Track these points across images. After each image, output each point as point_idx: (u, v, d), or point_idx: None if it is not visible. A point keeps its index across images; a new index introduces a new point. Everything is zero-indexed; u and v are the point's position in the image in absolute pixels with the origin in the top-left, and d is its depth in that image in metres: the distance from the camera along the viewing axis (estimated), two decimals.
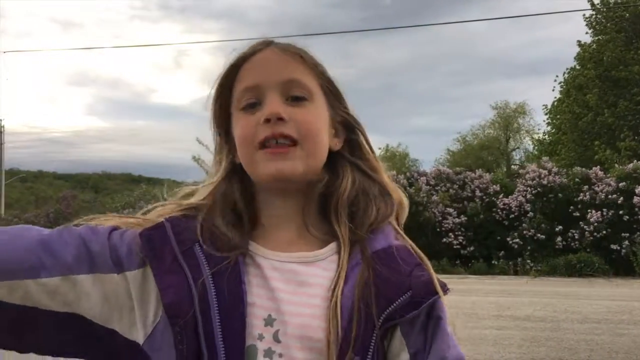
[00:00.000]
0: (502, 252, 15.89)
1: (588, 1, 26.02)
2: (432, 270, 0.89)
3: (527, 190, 16.35)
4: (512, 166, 30.18)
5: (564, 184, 16.25)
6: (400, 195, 0.96)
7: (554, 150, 27.92)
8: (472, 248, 16.07)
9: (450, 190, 16.98)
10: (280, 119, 0.87)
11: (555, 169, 16.73)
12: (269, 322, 0.84)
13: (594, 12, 26.29)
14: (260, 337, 0.83)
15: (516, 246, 15.73)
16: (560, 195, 16.10)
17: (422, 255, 0.92)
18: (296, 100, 0.89)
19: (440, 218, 16.52)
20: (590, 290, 11.85)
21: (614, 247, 14.99)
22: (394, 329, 0.85)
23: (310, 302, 0.85)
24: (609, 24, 25.55)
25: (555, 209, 16.08)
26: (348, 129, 0.96)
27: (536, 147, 33.39)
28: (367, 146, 0.97)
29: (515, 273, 15.30)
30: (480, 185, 17.07)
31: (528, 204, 16.18)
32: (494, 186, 17.01)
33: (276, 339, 0.83)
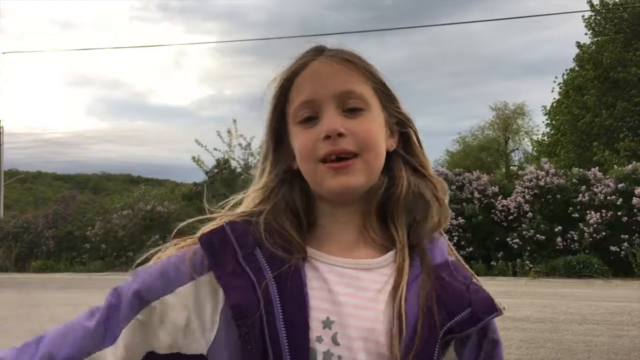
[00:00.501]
0: (501, 253, 15.89)
1: (587, 2, 26.05)
2: (482, 287, 0.92)
3: (525, 192, 16.35)
4: (511, 167, 30.21)
5: (563, 185, 16.26)
6: (445, 188, 0.99)
7: (553, 151, 27.93)
8: (471, 249, 16.06)
9: (449, 191, 16.99)
10: (340, 134, 0.88)
11: (553, 170, 16.73)
12: (327, 324, 0.85)
13: (593, 14, 26.31)
14: (319, 340, 0.84)
15: (515, 247, 15.73)
16: (558, 196, 16.10)
17: (472, 272, 0.94)
18: (353, 111, 0.90)
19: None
20: (590, 291, 11.85)
21: (613, 248, 14.98)
22: (448, 344, 0.87)
23: (373, 305, 0.86)
24: (608, 25, 25.57)
25: (554, 210, 16.08)
26: (401, 126, 0.97)
27: (535, 148, 33.41)
28: (417, 142, 0.98)
29: (514, 274, 15.30)
30: (479, 187, 17.07)
31: (527, 205, 16.18)
32: (493, 187, 17.01)
33: (335, 341, 0.84)
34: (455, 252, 0.97)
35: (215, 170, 19.24)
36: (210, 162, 19.45)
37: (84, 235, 19.34)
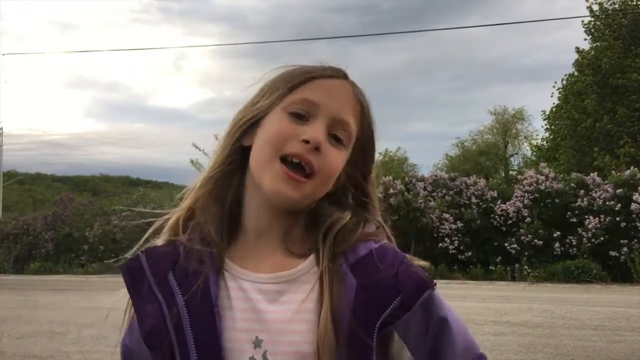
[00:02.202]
0: (500, 257, 15.90)
1: (587, 8, 26.12)
2: (416, 264, 0.90)
3: (524, 196, 16.36)
4: (511, 172, 30.23)
5: (561, 190, 16.27)
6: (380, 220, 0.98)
7: (552, 156, 27.96)
8: (469, 253, 16.07)
9: (447, 196, 16.99)
10: (317, 149, 0.89)
11: (552, 175, 16.75)
12: (257, 344, 0.86)
13: (592, 19, 26.36)
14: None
15: (514, 252, 15.73)
16: (557, 200, 16.11)
17: (402, 253, 0.92)
18: (336, 140, 0.92)
19: (437, 224, 16.52)
20: (588, 296, 11.85)
21: (611, 253, 14.99)
22: (391, 333, 0.87)
23: (299, 317, 0.86)
24: (607, 31, 25.62)
25: (553, 215, 16.09)
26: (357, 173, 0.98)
27: (534, 153, 33.44)
28: (366, 185, 0.99)
29: (513, 279, 15.30)
30: (476, 192, 17.07)
31: (526, 210, 16.19)
32: (491, 192, 17.02)
33: (266, 359, 0.85)
34: (386, 228, 0.96)
35: None
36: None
37: (82, 237, 19.32)
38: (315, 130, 0.90)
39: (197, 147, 19.36)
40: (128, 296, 0.95)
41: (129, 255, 0.96)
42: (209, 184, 0.96)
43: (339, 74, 0.96)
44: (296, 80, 0.94)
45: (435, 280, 0.89)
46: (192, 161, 19.84)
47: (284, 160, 0.89)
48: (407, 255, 0.92)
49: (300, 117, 0.91)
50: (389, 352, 0.88)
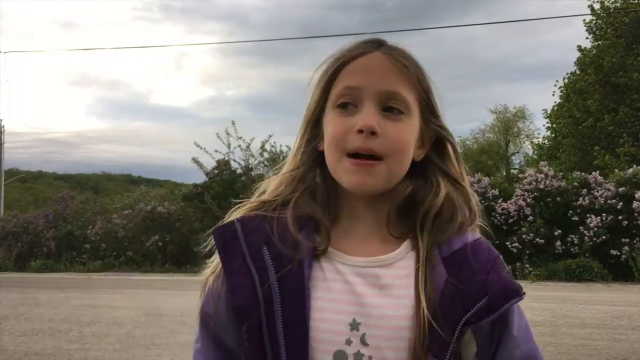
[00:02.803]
0: (501, 256, 15.86)
1: (588, 6, 26.06)
2: (506, 271, 0.92)
3: (525, 195, 16.34)
4: (512, 170, 30.20)
5: (563, 188, 16.25)
6: (475, 204, 0.99)
7: (554, 154, 27.92)
8: None
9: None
10: (373, 133, 0.87)
11: (552, 173, 16.72)
12: (354, 326, 0.86)
13: (594, 17, 26.31)
14: (348, 342, 0.86)
15: (515, 250, 15.71)
16: (559, 199, 16.09)
17: (496, 251, 0.95)
18: (392, 111, 0.90)
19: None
20: (589, 295, 11.85)
21: (613, 252, 14.97)
22: (464, 331, 0.88)
23: (397, 303, 0.87)
24: (609, 30, 25.55)
25: (554, 214, 16.07)
26: (437, 139, 0.97)
27: (536, 152, 33.41)
28: (454, 156, 0.99)
29: (514, 277, 15.18)
30: (479, 190, 17.06)
31: (528, 208, 16.18)
32: (493, 190, 17.01)
33: (364, 342, 0.86)
34: (478, 216, 0.98)
35: (215, 172, 19.22)
36: (210, 163, 19.45)
37: (84, 235, 19.32)
38: (365, 116, 0.88)
39: (198, 146, 19.46)
40: (212, 263, 0.96)
41: (220, 223, 0.95)
42: (292, 182, 0.96)
43: (371, 48, 0.93)
44: (330, 71, 0.93)
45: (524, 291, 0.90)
46: (193, 159, 19.95)
47: (351, 156, 0.89)
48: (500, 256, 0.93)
49: (348, 105, 0.90)
50: (460, 343, 0.88)
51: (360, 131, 0.87)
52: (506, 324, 0.90)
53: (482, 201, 16.95)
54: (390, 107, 0.89)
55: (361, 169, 0.88)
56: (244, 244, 0.90)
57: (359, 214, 0.93)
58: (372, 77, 0.89)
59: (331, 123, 0.91)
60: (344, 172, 0.89)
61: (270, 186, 0.98)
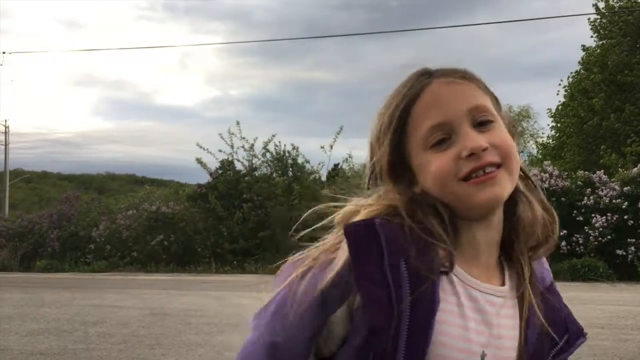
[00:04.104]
0: None
1: (593, 5, 25.98)
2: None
3: None
4: None
5: (567, 188, 16.21)
6: (553, 212, 0.99)
7: (558, 154, 27.85)
8: None
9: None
10: (484, 150, 0.87)
11: (557, 173, 16.68)
12: (482, 357, 0.85)
13: (598, 17, 26.23)
14: None
15: None
16: (563, 199, 16.05)
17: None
18: (484, 125, 0.89)
19: None
20: (594, 295, 11.82)
21: (619, 252, 14.93)
22: None
23: (512, 334, 0.89)
24: (613, 29, 25.48)
25: (559, 213, 15.80)
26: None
27: (540, 151, 33.35)
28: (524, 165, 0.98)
29: None
30: None
31: None
32: None
33: None
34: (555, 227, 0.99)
35: (219, 172, 19.25)
36: (214, 163, 19.48)
37: (88, 236, 19.37)
38: (469, 138, 0.87)
39: (201, 147, 19.49)
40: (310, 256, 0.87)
41: (354, 219, 0.86)
42: (394, 209, 0.89)
43: (427, 79, 0.92)
44: (396, 118, 0.91)
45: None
46: (197, 159, 19.98)
47: (466, 179, 0.86)
48: None
49: (443, 141, 0.89)
50: None
51: (471, 155, 0.86)
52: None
53: None
54: (480, 122, 0.89)
55: (486, 183, 0.86)
56: (387, 253, 0.80)
57: (479, 236, 0.90)
58: (451, 105, 0.89)
59: (432, 163, 0.88)
60: (468, 196, 0.86)
61: (365, 210, 0.90)
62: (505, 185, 0.87)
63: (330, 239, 0.89)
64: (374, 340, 0.79)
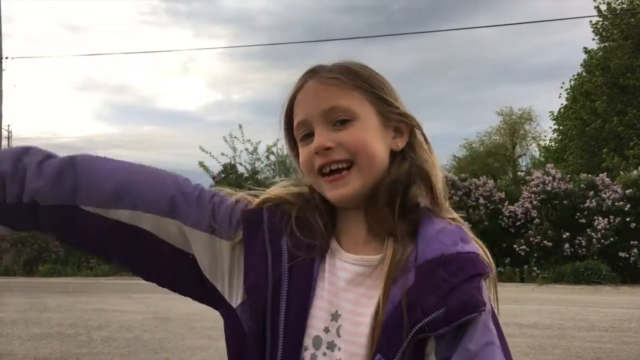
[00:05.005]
0: (508, 259, 15.84)
1: (595, 7, 25.99)
2: (478, 285, 0.90)
3: (532, 197, 16.30)
4: (519, 173, 30.15)
5: (570, 191, 16.19)
6: (443, 179, 1.04)
7: (561, 157, 27.84)
8: None
9: (454, 197, 16.94)
10: (328, 148, 0.96)
11: (559, 175, 16.67)
12: (335, 317, 0.94)
13: (600, 19, 26.24)
14: (326, 330, 0.94)
15: (522, 253, 15.67)
16: (565, 202, 16.04)
17: (482, 268, 0.92)
18: (343, 123, 0.98)
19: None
20: (597, 297, 11.80)
21: (621, 254, 14.91)
22: (424, 340, 0.89)
23: (367, 302, 0.93)
24: (615, 31, 25.48)
25: (562, 216, 16.02)
26: (407, 125, 1.03)
27: (542, 154, 33.33)
28: (421, 137, 1.04)
29: (522, 280, 15.24)
30: (484, 193, 17.02)
31: (534, 211, 16.13)
32: (499, 193, 16.97)
33: (338, 333, 0.94)
34: (477, 241, 1.00)
35: (222, 175, 19.28)
36: (216, 167, 19.51)
37: None
38: (316, 138, 0.98)
39: (203, 150, 19.54)
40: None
41: (250, 207, 1.04)
42: (303, 195, 1.05)
43: (306, 79, 1.02)
44: (283, 113, 1.04)
45: (485, 308, 0.89)
46: (200, 163, 20.01)
47: (322, 174, 0.98)
48: (487, 277, 0.95)
49: (308, 135, 1.00)
50: (423, 353, 0.90)
51: (317, 153, 0.97)
52: (464, 337, 0.88)
53: (489, 204, 16.97)
54: (338, 121, 0.97)
55: (336, 183, 0.97)
56: (267, 231, 0.99)
57: (350, 217, 1.01)
58: (310, 105, 0.99)
59: (300, 154, 1.02)
60: (323, 190, 0.99)
61: (278, 186, 1.08)
62: (354, 185, 0.96)
63: None
64: (251, 297, 0.96)
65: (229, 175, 19.22)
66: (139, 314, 9.46)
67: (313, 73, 1.02)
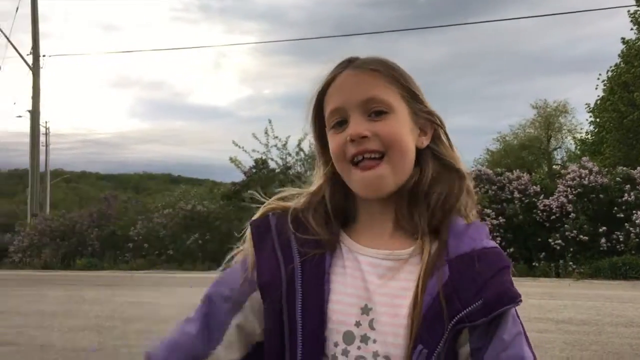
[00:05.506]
0: (543, 253, 15.59)
1: None
2: (510, 278, 0.95)
3: (568, 191, 15.99)
4: (554, 166, 29.57)
5: (606, 184, 15.84)
6: (470, 179, 1.07)
7: (597, 149, 27.22)
8: (512, 249, 15.81)
9: (490, 191, 16.74)
10: (364, 137, 0.98)
11: (596, 169, 16.31)
12: (365, 311, 0.95)
13: (639, 8, 25.52)
14: (358, 324, 0.95)
15: (558, 248, 15.40)
16: (602, 195, 15.70)
17: (507, 261, 0.97)
18: (378, 114, 1.00)
19: (479, 219, 16.28)
20: (635, 293, 11.53)
21: None
22: (460, 331, 0.93)
23: (401, 294, 0.95)
24: None
25: (598, 210, 15.69)
26: (432, 124, 1.06)
27: (578, 147, 32.64)
28: (444, 136, 1.07)
29: (557, 275, 14.98)
30: (519, 187, 16.77)
31: (570, 205, 15.83)
32: (534, 187, 16.70)
33: (371, 326, 0.95)
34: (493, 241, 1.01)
35: (253, 170, 19.41)
36: (248, 162, 19.65)
37: (126, 234, 19.76)
38: (352, 126, 0.99)
39: (236, 145, 19.68)
40: (247, 246, 1.06)
41: (256, 215, 1.08)
42: (313, 193, 1.08)
43: (341, 69, 1.04)
44: (314, 101, 1.06)
45: (520, 299, 0.93)
46: (231, 158, 20.17)
47: (354, 163, 1.00)
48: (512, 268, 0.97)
49: (341, 123, 1.02)
50: (457, 343, 0.93)
51: (353, 140, 0.98)
52: (498, 328, 0.93)
53: (523, 198, 16.71)
54: (374, 112, 0.99)
55: (366, 174, 0.98)
56: (275, 235, 1.02)
57: (377, 214, 1.03)
58: (348, 93, 1.00)
59: (331, 142, 1.03)
60: (353, 181, 1.01)
61: (301, 198, 1.09)
62: (385, 179, 0.98)
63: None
64: (266, 297, 0.98)
65: (260, 171, 19.34)
66: (173, 307, 9.60)
67: (350, 63, 1.04)
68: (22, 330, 7.81)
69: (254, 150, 19.39)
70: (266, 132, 19.24)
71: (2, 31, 23.57)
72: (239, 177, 19.95)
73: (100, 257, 19.73)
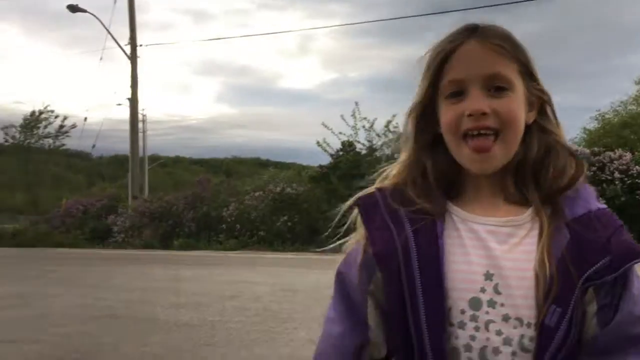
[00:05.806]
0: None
1: None
2: (629, 236, 0.97)
3: None
4: None
5: None
6: (576, 146, 1.05)
7: None
8: None
9: (588, 171, 15.92)
10: (484, 114, 0.98)
11: None
12: (488, 277, 0.97)
13: None
14: (483, 290, 0.97)
15: None
16: None
17: (620, 221, 1.00)
18: (498, 90, 0.99)
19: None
20: None
21: None
22: (587, 289, 0.94)
23: (526, 257, 0.96)
24: None
25: None
26: (540, 99, 1.06)
27: None
28: (552, 113, 1.07)
29: None
30: (620, 167, 15.85)
31: None
32: (637, 167, 15.72)
33: (496, 291, 0.96)
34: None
35: (340, 153, 19.50)
36: (335, 144, 19.75)
37: (219, 216, 20.45)
38: (472, 100, 0.98)
39: (326, 127, 19.83)
40: (355, 236, 1.09)
41: (361, 193, 1.10)
42: (410, 164, 1.08)
43: (465, 37, 1.02)
44: (433, 66, 1.03)
45: None
46: (317, 142, 20.34)
47: (465, 136, 0.99)
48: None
49: (457, 94, 1.01)
50: (583, 301, 0.95)
51: (470, 115, 0.97)
52: (626, 283, 0.95)
53: (625, 178, 15.78)
54: (495, 87, 0.98)
55: (482, 155, 0.98)
56: (383, 207, 1.03)
57: (484, 186, 1.03)
58: (472, 66, 0.99)
59: (444, 112, 1.02)
60: (463, 158, 1.01)
61: (392, 172, 1.11)
62: (497, 160, 0.99)
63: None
64: (382, 268, 1.00)
65: (347, 153, 19.41)
66: (267, 286, 9.91)
67: (473, 32, 1.02)
68: (129, 305, 8.35)
69: (340, 133, 19.49)
70: (353, 114, 19.27)
71: (102, 23, 24.87)
72: (325, 159, 20.13)
73: (196, 238, 20.56)
